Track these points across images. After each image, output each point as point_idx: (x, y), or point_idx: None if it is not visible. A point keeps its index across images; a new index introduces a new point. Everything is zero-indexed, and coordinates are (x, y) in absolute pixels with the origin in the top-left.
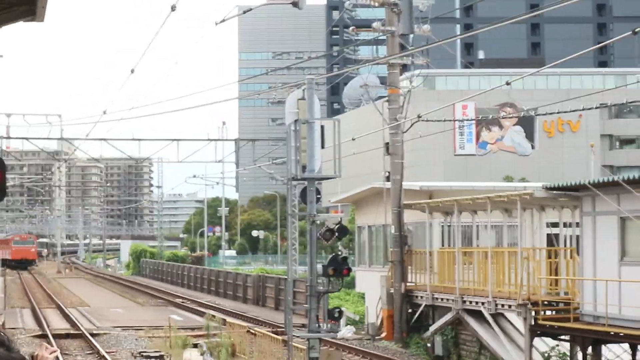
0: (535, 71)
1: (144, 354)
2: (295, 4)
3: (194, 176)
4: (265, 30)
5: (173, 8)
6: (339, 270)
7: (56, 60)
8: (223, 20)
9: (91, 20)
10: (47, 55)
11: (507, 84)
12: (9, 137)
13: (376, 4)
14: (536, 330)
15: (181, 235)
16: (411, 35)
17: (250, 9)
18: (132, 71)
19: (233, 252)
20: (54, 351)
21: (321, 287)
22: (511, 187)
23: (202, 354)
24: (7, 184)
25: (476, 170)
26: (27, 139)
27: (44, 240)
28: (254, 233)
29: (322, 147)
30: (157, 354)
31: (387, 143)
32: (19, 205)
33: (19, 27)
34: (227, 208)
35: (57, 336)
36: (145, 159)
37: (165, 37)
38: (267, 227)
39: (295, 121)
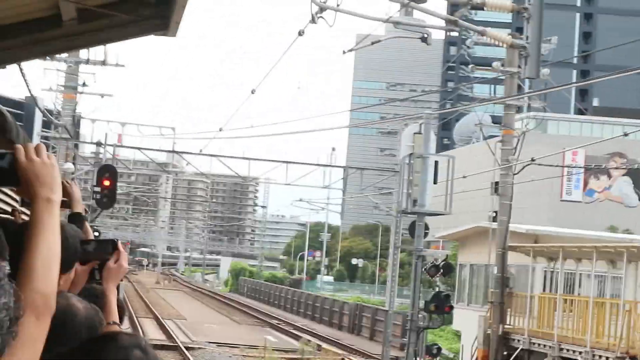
0: None
1: None
2: (424, 40)
3: (300, 200)
4: (381, 61)
5: (300, 33)
6: (441, 307)
7: (178, 75)
8: (351, 50)
9: (219, 38)
10: (169, 68)
11: (625, 134)
12: (121, 146)
13: (504, 45)
14: None
15: (281, 257)
16: (527, 80)
17: (379, 41)
18: (253, 92)
19: (331, 278)
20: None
21: (422, 322)
22: (617, 238)
23: None
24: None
25: (581, 217)
26: (139, 148)
27: (145, 250)
28: (354, 261)
29: (435, 182)
30: None
31: (497, 182)
32: (124, 213)
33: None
34: (329, 234)
35: (152, 346)
36: (253, 178)
37: (288, 61)
38: (366, 256)
39: (410, 155)
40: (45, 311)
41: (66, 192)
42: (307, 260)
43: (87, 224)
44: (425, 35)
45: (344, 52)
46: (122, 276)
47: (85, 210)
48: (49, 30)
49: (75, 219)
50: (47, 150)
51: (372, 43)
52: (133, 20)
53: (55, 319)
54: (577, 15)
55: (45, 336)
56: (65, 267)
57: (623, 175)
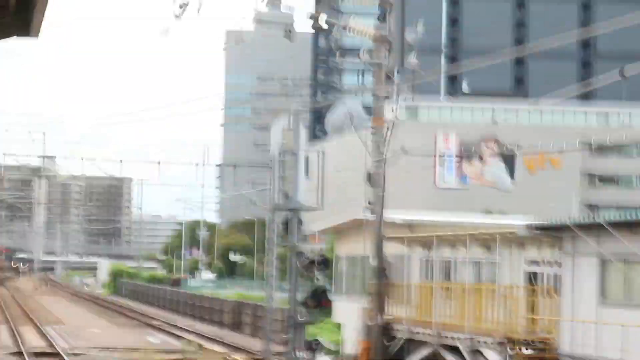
0: (522, 107)
1: None
2: (287, 35)
3: (178, 199)
4: (250, 54)
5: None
6: (319, 301)
7: (46, 71)
8: (224, 49)
9: (80, 37)
10: (38, 70)
11: (494, 122)
12: None
13: (369, 37)
14: None
15: (158, 256)
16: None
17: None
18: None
19: (212, 275)
20: None
21: (301, 318)
22: (493, 223)
23: None
24: None
25: (456, 202)
26: (11, 155)
27: (22, 255)
28: (232, 257)
29: (306, 175)
30: None
31: (369, 173)
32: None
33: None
34: (208, 232)
35: (32, 354)
36: (127, 179)
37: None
38: (246, 252)
39: (281, 151)
40: None
41: None
42: (186, 258)
43: None
44: (290, 30)
45: (223, 50)
46: None
47: None
48: None
49: None
50: None
51: (236, 42)
52: None
53: None
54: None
55: None
56: None
57: (496, 159)
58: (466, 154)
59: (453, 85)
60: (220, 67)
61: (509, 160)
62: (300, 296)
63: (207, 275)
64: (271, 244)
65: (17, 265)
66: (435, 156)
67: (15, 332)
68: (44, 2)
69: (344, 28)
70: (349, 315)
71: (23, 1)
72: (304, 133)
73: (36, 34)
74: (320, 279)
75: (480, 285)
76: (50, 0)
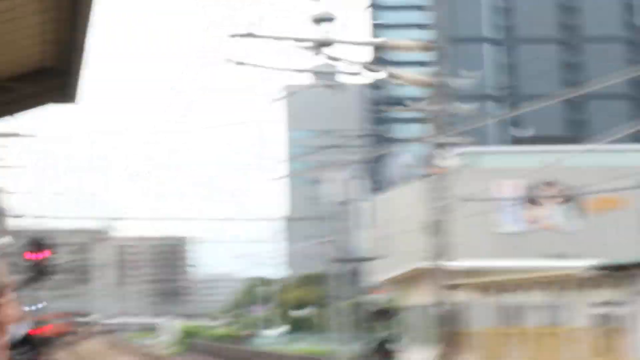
0: (582, 149)
1: None
2: (332, 87)
3: (241, 255)
4: (309, 109)
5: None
6: (385, 352)
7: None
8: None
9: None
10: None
11: (555, 164)
12: (49, 217)
13: (423, 85)
14: None
15: (224, 315)
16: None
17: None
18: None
19: (282, 330)
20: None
21: None
22: (559, 267)
23: None
24: (52, 263)
25: (518, 248)
26: (70, 217)
27: (87, 319)
28: (295, 312)
29: (368, 226)
30: None
31: (432, 223)
32: (61, 283)
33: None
34: (277, 286)
35: None
36: (187, 241)
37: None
38: (317, 305)
39: (341, 202)
40: None
41: None
42: (255, 314)
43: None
44: (335, 84)
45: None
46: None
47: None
48: None
49: None
50: None
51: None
52: (36, 92)
53: None
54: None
55: None
56: None
57: (559, 202)
58: (527, 198)
59: (512, 130)
60: (277, 122)
61: (572, 204)
62: (366, 347)
63: (278, 330)
64: (337, 289)
65: (81, 328)
66: (497, 202)
67: None
68: (79, 67)
69: (396, 77)
70: None
71: (61, 67)
72: (363, 186)
73: (73, 100)
74: (385, 330)
75: (554, 329)
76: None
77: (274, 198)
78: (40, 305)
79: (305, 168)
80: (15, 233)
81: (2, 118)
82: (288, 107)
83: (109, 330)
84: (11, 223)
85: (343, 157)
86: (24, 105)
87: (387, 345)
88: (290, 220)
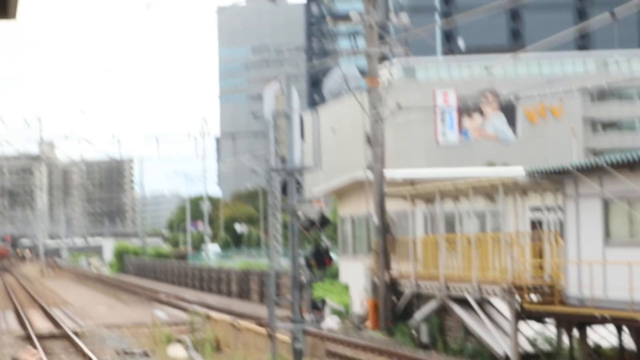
0: (516, 54)
1: (128, 351)
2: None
3: (177, 173)
4: (243, 26)
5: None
6: (321, 260)
7: (31, 59)
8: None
9: (64, 19)
10: (22, 55)
11: (486, 68)
12: None
13: None
14: (521, 315)
15: (163, 231)
16: (391, 27)
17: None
18: (109, 70)
19: (217, 247)
20: (36, 354)
21: (304, 278)
22: (494, 173)
23: (186, 350)
24: None
25: (459, 158)
26: (8, 142)
27: (27, 241)
28: (237, 227)
29: (302, 137)
30: (141, 351)
31: (368, 134)
32: (0, 208)
33: None
34: (210, 204)
35: (40, 337)
36: (126, 161)
37: (142, 34)
38: (250, 222)
39: (274, 114)
40: None
41: None
42: (191, 232)
43: None
44: None
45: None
46: None
47: None
48: None
49: None
50: None
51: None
52: None
53: None
54: None
55: None
56: None
57: (496, 111)
58: (465, 109)
59: (449, 43)
60: (212, 41)
61: (508, 113)
62: (302, 258)
63: (213, 248)
64: (272, 209)
65: (22, 251)
66: (435, 113)
67: (23, 316)
68: None
69: None
70: (356, 275)
71: None
72: (296, 96)
73: (14, 16)
74: (326, 243)
75: (485, 236)
76: None
77: (209, 115)
78: None
79: (242, 84)
80: None
81: None
82: (220, 24)
83: (53, 253)
84: None
85: (281, 71)
86: None
87: (324, 253)
88: (226, 136)
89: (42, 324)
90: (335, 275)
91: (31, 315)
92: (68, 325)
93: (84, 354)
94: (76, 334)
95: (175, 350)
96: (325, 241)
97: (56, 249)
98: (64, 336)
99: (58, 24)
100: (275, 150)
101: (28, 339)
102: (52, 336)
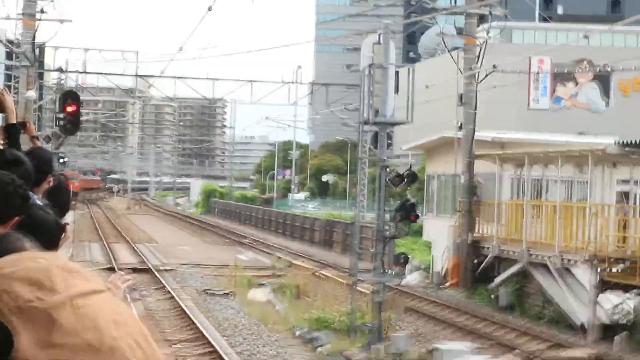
0: (614, 25)
1: (210, 291)
2: None
3: (267, 118)
4: None
5: None
6: (407, 216)
7: None
8: None
9: None
10: None
11: (585, 37)
12: (85, 72)
13: None
14: (602, 286)
15: (251, 177)
16: None
17: None
18: (210, 9)
19: (302, 196)
20: (128, 280)
21: (388, 232)
22: (584, 143)
23: (267, 294)
24: (82, 119)
25: (549, 125)
26: (103, 74)
27: (115, 176)
28: (324, 177)
29: (396, 91)
30: (222, 292)
31: (461, 94)
32: (92, 140)
33: None
34: (299, 151)
35: (124, 270)
36: (219, 99)
37: None
38: (337, 173)
39: (370, 65)
40: None
41: None
42: (278, 179)
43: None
44: None
45: None
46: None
47: (49, 137)
48: None
49: (10, 131)
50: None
51: None
52: None
53: None
54: None
55: None
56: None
57: (590, 81)
58: (560, 76)
59: (547, 9)
60: None
61: (602, 83)
62: (388, 212)
63: (299, 195)
64: (362, 161)
65: (111, 186)
66: (529, 77)
67: (108, 249)
68: None
69: None
70: (439, 234)
71: None
72: (393, 49)
73: None
74: (411, 199)
75: (571, 204)
76: None
77: (303, 63)
78: (63, 160)
79: (338, 35)
80: (50, 88)
81: None
82: None
83: (141, 189)
84: (51, 77)
85: (379, 25)
86: None
87: (409, 207)
88: (319, 86)
89: (126, 258)
90: (418, 233)
91: (116, 249)
92: (151, 261)
93: (166, 290)
94: (159, 270)
95: (256, 293)
96: (412, 198)
97: (144, 186)
98: (147, 271)
99: None
100: (369, 103)
101: (112, 271)
102: (135, 270)
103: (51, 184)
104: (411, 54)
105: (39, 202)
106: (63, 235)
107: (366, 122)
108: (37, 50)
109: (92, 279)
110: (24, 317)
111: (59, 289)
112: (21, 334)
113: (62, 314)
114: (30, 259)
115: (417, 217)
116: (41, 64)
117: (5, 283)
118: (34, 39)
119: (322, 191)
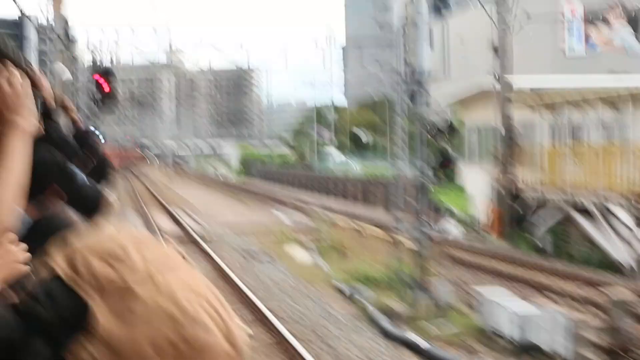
0: None
1: (253, 253)
2: None
3: (302, 82)
4: None
5: None
6: (443, 163)
7: None
8: None
9: None
10: None
11: None
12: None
13: None
14: None
15: (289, 141)
16: None
17: None
18: None
19: (341, 155)
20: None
21: (425, 181)
22: (620, 82)
23: (310, 254)
24: (118, 96)
25: (584, 69)
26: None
27: (154, 148)
28: (361, 135)
29: (431, 47)
30: (264, 253)
31: (496, 46)
32: (129, 116)
33: None
34: (335, 112)
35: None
36: (253, 70)
37: None
38: (375, 132)
39: (403, 22)
40: None
41: (35, 84)
42: (315, 139)
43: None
44: None
45: None
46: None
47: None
48: None
49: (48, 114)
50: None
51: None
52: None
53: None
54: None
55: None
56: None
57: (623, 25)
58: (592, 19)
59: None
60: None
61: (634, 24)
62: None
63: (338, 156)
64: (399, 117)
65: (149, 157)
66: (562, 23)
67: (150, 218)
68: None
69: None
70: (480, 184)
71: None
72: (425, 5)
73: None
74: (448, 147)
75: (610, 146)
76: None
77: (334, 23)
78: (103, 138)
79: None
80: (91, 68)
81: None
82: None
83: (177, 158)
84: (85, 54)
85: None
86: None
87: (445, 155)
88: (351, 45)
89: (166, 225)
90: (459, 187)
91: (156, 216)
92: (191, 225)
93: (207, 254)
94: (199, 235)
95: (299, 254)
96: (450, 150)
97: (182, 155)
98: (189, 238)
99: None
100: (404, 59)
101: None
102: (175, 236)
103: (94, 162)
104: (440, 7)
105: (82, 176)
106: (108, 207)
107: (402, 79)
108: (69, 32)
109: (164, 248)
110: (104, 292)
111: (135, 260)
112: (101, 308)
113: (142, 287)
114: (99, 232)
115: (451, 162)
116: (73, 45)
117: (82, 258)
118: (65, 19)
119: (360, 150)
